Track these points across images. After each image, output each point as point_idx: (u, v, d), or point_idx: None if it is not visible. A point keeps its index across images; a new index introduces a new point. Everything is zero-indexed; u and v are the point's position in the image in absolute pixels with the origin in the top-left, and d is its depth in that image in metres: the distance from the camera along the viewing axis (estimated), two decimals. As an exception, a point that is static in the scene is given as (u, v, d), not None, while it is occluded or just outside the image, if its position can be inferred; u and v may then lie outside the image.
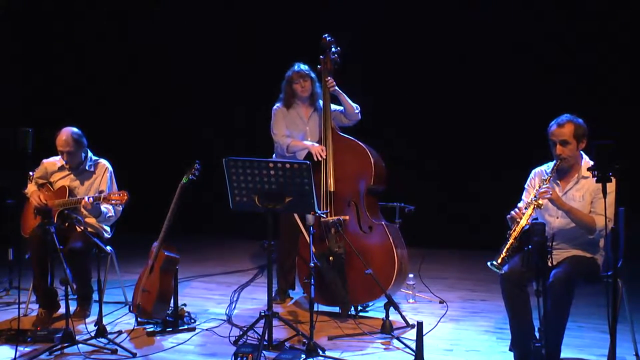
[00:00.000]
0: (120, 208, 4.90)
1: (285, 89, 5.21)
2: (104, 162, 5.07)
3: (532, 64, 6.88)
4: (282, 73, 5.22)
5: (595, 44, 6.67)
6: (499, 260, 3.64)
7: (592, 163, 3.88)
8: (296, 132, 5.21)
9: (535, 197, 3.76)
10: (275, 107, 5.26)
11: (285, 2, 7.34)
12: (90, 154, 5.03)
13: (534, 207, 3.72)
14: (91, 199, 4.65)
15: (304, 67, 5.17)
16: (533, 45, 6.84)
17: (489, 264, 3.67)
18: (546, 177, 3.87)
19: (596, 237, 3.87)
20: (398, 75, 7.16)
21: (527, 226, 3.62)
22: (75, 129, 4.93)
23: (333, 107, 5.15)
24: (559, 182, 4.00)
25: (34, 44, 7.76)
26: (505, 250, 3.66)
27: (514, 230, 3.69)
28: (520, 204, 4.08)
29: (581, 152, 3.97)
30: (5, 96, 7.19)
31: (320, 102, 5.16)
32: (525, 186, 4.14)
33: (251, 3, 7.52)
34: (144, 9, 7.79)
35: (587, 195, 3.92)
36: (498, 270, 3.66)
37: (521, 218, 3.70)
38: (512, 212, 3.83)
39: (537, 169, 4.12)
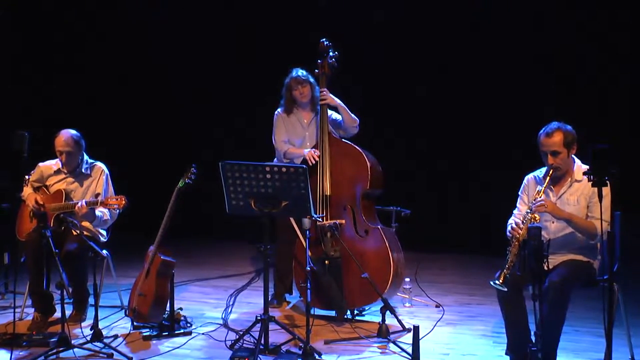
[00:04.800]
0: (117, 212, 4.89)
1: (285, 96, 5.21)
2: (100, 165, 5.05)
3: (531, 65, 6.87)
4: (283, 74, 5.21)
5: (595, 45, 6.69)
6: (501, 279, 3.66)
7: (584, 167, 3.89)
8: (295, 138, 5.21)
9: (530, 210, 3.76)
10: (276, 112, 5.26)
11: (287, 4, 7.34)
12: (86, 157, 5.02)
13: (531, 220, 3.72)
14: (85, 202, 4.64)
15: (302, 72, 5.15)
16: (532, 47, 6.85)
17: (491, 282, 3.70)
18: (540, 187, 3.85)
19: (597, 241, 3.88)
20: (396, 77, 7.16)
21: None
22: (74, 131, 4.93)
23: (334, 115, 5.15)
24: (552, 187, 3.99)
25: (32, 45, 7.74)
26: (506, 267, 3.68)
27: (513, 247, 3.70)
28: (515, 211, 4.09)
29: (572, 156, 3.97)
30: (2, 98, 7.16)
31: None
32: (519, 193, 4.13)
33: (252, 6, 7.52)
34: (144, 11, 7.77)
35: (582, 199, 3.92)
36: (502, 288, 3.67)
37: (519, 234, 3.70)
38: (510, 229, 3.84)
39: (530, 175, 4.11)
